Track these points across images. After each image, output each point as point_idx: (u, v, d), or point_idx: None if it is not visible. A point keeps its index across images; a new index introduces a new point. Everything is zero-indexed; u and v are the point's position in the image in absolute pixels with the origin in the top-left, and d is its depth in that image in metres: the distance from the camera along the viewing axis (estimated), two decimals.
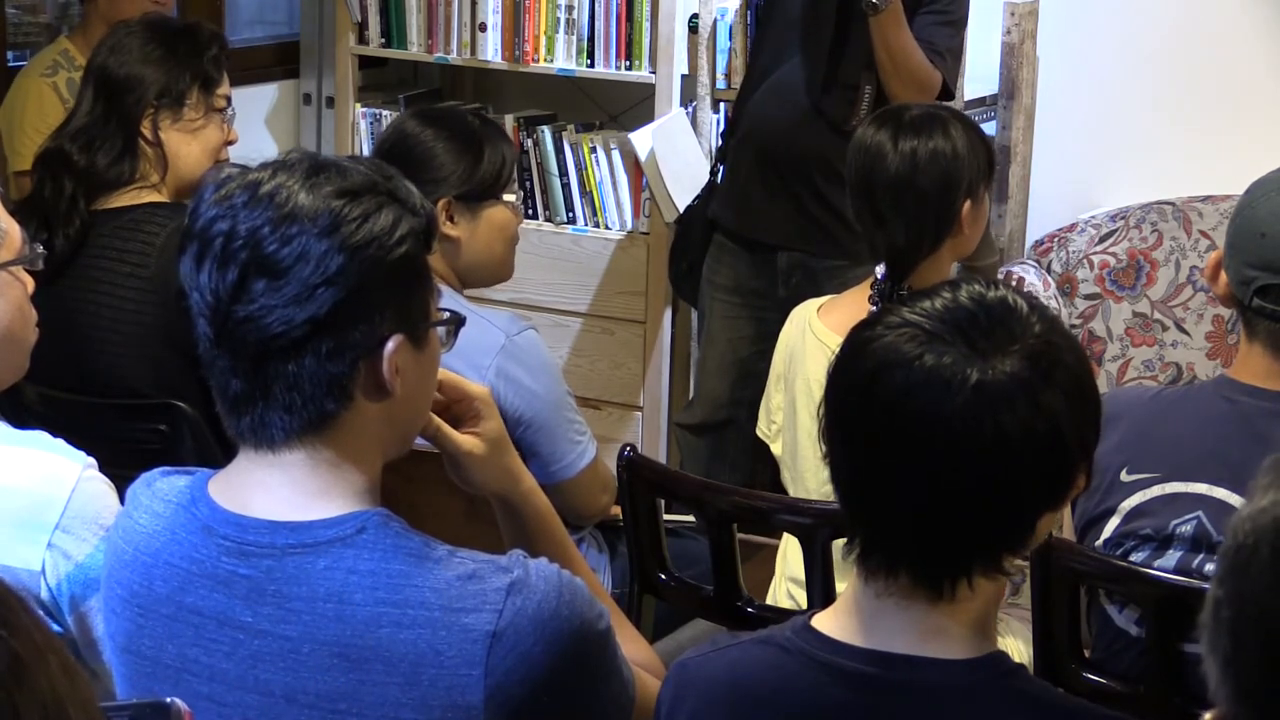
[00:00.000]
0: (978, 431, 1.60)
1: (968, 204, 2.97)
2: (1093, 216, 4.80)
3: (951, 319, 1.65)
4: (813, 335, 3.07)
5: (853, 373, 1.68)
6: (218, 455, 2.68)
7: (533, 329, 3.04)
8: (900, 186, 2.95)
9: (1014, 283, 4.54)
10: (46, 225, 3.15)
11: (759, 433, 3.25)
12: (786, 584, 3.08)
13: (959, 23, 4.08)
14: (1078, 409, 1.65)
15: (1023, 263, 4.74)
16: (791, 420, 3.12)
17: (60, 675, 1.10)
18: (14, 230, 2.23)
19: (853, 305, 3.01)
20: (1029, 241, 4.86)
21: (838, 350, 1.72)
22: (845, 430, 1.69)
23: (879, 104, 3.83)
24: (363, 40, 5.12)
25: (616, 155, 4.87)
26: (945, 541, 1.65)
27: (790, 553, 3.05)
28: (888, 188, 2.97)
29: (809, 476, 3.05)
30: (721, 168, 4.34)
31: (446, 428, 1.89)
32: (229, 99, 3.34)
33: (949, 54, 4.02)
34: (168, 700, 1.33)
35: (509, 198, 3.11)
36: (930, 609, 1.66)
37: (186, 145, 3.24)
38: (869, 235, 3.03)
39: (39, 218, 3.14)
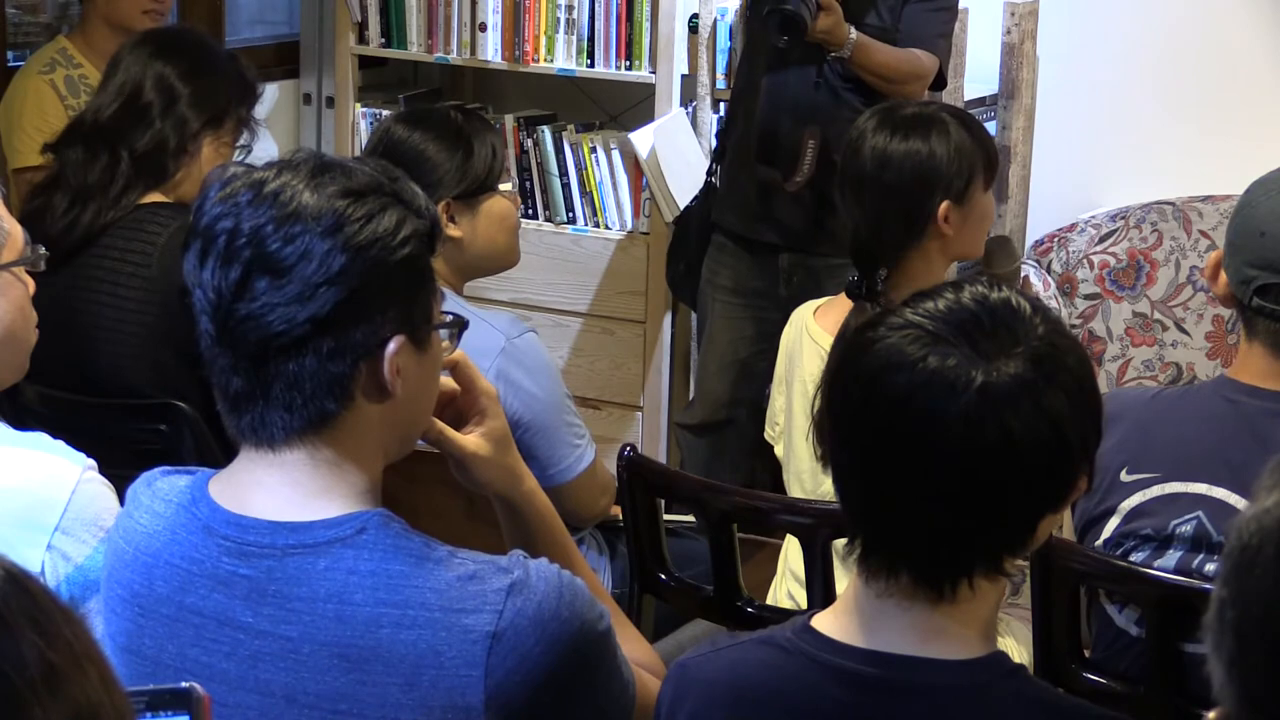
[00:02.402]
0: (981, 433, 1.60)
1: (946, 205, 2.96)
2: (1093, 216, 4.80)
3: (955, 320, 1.65)
4: (809, 337, 3.07)
5: (855, 373, 1.68)
6: (218, 455, 2.68)
7: (533, 331, 3.04)
8: (865, 180, 2.97)
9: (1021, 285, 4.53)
10: (81, 199, 3.17)
11: (766, 437, 3.25)
12: (788, 584, 3.08)
13: (951, 8, 4.08)
14: (1080, 411, 1.65)
15: (1023, 263, 4.73)
16: (789, 422, 3.13)
17: (98, 687, 1.10)
18: (16, 231, 2.23)
19: (848, 306, 3.02)
20: (1029, 241, 4.86)
21: (839, 349, 1.72)
22: (847, 430, 1.69)
23: (822, 158, 3.87)
24: (363, 40, 5.12)
25: (616, 155, 4.87)
26: (946, 542, 1.65)
27: (792, 553, 3.05)
28: (853, 180, 2.99)
29: (806, 478, 3.05)
30: (718, 169, 4.34)
31: (449, 430, 1.89)
32: (252, 134, 3.40)
33: (943, 39, 4.03)
34: (185, 685, 1.33)
35: (504, 187, 3.11)
36: (931, 610, 1.66)
37: (209, 164, 3.26)
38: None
39: (74, 192, 3.17)
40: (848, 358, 1.70)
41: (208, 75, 3.30)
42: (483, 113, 4.94)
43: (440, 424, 1.88)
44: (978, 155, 3.01)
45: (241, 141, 3.37)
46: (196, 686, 1.33)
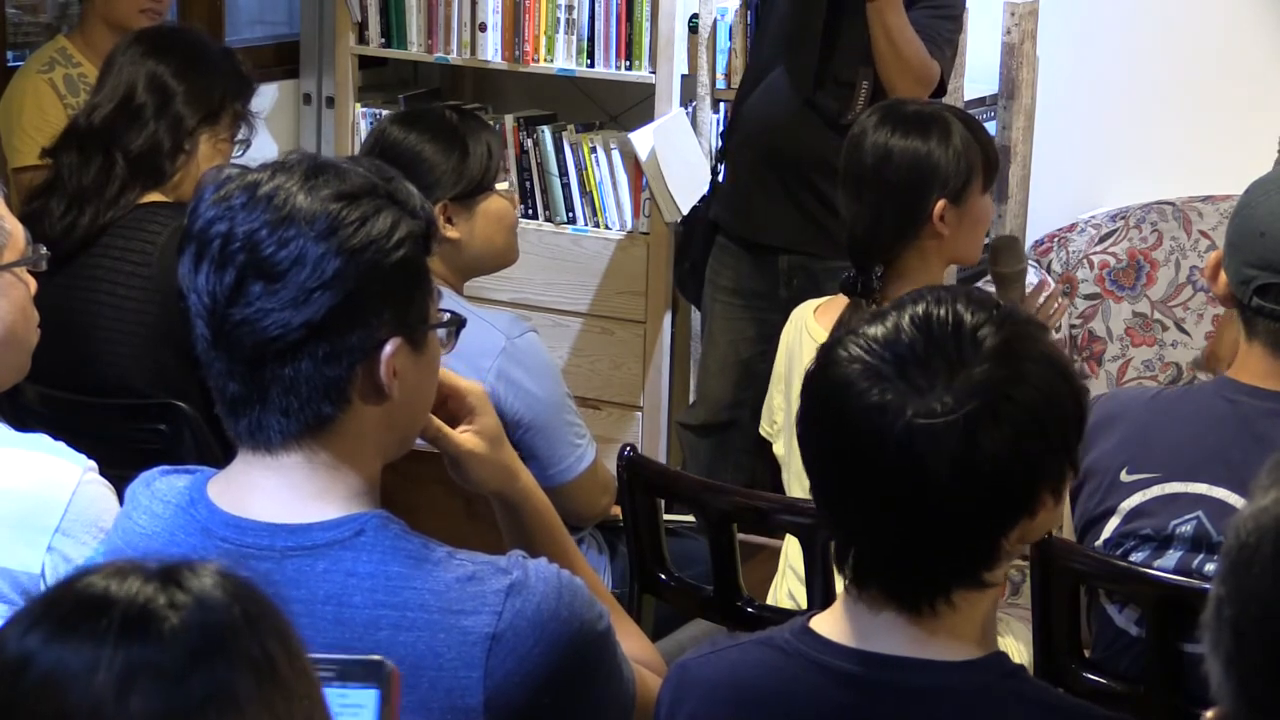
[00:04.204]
0: (913, 470, 1.59)
1: (942, 203, 2.96)
2: (1093, 216, 4.80)
3: (892, 352, 1.62)
4: (809, 336, 3.07)
5: (813, 398, 1.69)
6: (218, 455, 2.68)
7: (533, 331, 3.04)
8: (864, 176, 2.98)
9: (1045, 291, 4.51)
10: (78, 202, 3.17)
11: (762, 432, 3.26)
12: (789, 583, 3.08)
13: (956, 17, 4.07)
14: (1031, 436, 1.61)
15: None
16: (788, 420, 3.13)
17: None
18: (17, 231, 2.24)
19: (845, 305, 3.02)
20: (1029, 241, 4.86)
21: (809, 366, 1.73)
22: (813, 447, 1.70)
23: (876, 99, 3.82)
24: (363, 40, 5.11)
25: (616, 155, 4.86)
26: (910, 560, 1.65)
27: (793, 551, 3.05)
28: (854, 176, 3.00)
29: (805, 477, 3.05)
30: (722, 168, 4.34)
31: (446, 428, 1.89)
32: (250, 128, 3.40)
33: (948, 46, 4.02)
34: (376, 658, 1.35)
35: (501, 186, 3.11)
36: (916, 623, 1.66)
37: (208, 160, 3.26)
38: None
39: (70, 195, 3.17)
40: (810, 380, 1.69)
41: (201, 72, 3.29)
42: (482, 113, 4.94)
43: (438, 422, 1.87)
44: (978, 156, 3.02)
45: (240, 136, 3.36)
46: (387, 660, 1.35)
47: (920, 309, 1.65)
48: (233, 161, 3.24)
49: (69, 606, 1.17)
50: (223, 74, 3.33)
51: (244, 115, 3.36)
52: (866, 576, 1.66)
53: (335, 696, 1.34)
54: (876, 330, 1.65)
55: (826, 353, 1.68)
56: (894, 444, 1.59)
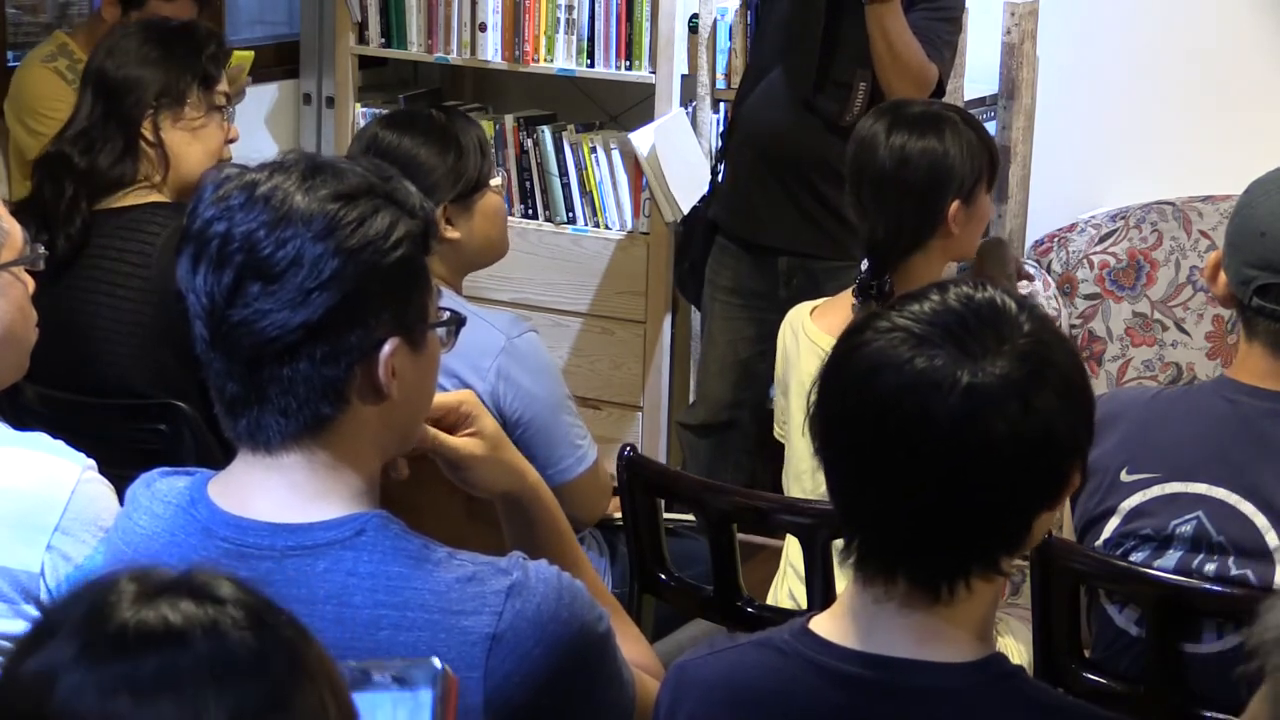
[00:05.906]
0: (969, 433, 1.60)
1: (956, 204, 2.96)
2: (1093, 216, 4.80)
3: (940, 322, 1.64)
4: (806, 338, 3.07)
5: (844, 377, 1.68)
6: (218, 455, 2.68)
7: (534, 331, 3.04)
8: (883, 180, 2.96)
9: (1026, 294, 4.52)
10: (46, 226, 3.15)
11: (776, 435, 3.26)
12: (789, 582, 3.08)
13: (955, 19, 4.07)
14: (1070, 408, 1.65)
15: (1023, 263, 4.73)
16: (789, 422, 3.13)
17: None
18: (15, 230, 2.24)
19: (845, 307, 3.02)
20: (1029, 241, 4.86)
21: (827, 355, 1.72)
22: (838, 435, 1.68)
23: (874, 101, 3.82)
24: (363, 40, 5.12)
25: (616, 155, 4.87)
26: (941, 543, 1.64)
27: (794, 550, 3.05)
28: (872, 180, 2.98)
29: (805, 478, 3.05)
30: (722, 169, 4.34)
31: (444, 436, 1.88)
32: (228, 96, 3.34)
33: (946, 48, 4.02)
34: (434, 660, 1.34)
35: (494, 182, 3.11)
36: (929, 613, 1.66)
37: (188, 145, 3.23)
38: (858, 226, 3.06)
39: (39, 219, 3.14)
40: (836, 363, 1.69)
41: (147, 62, 3.21)
42: (482, 113, 4.95)
43: (435, 431, 1.87)
44: (984, 155, 3.02)
45: (227, 110, 3.29)
46: (437, 660, 1.34)
47: (962, 289, 1.68)
48: (233, 161, 3.20)
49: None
50: (173, 56, 3.23)
51: (213, 91, 3.28)
52: (894, 567, 1.66)
53: (390, 699, 1.33)
54: (920, 306, 1.66)
55: (852, 335, 1.69)
56: (946, 411, 1.60)
